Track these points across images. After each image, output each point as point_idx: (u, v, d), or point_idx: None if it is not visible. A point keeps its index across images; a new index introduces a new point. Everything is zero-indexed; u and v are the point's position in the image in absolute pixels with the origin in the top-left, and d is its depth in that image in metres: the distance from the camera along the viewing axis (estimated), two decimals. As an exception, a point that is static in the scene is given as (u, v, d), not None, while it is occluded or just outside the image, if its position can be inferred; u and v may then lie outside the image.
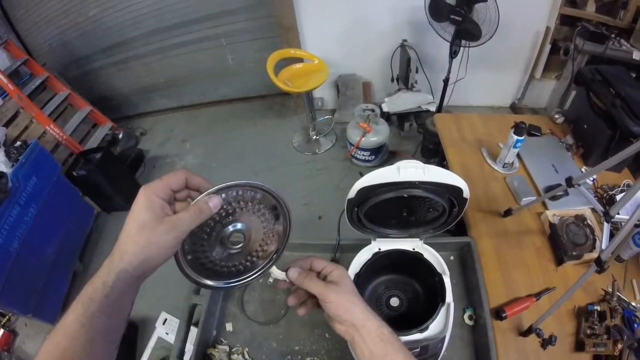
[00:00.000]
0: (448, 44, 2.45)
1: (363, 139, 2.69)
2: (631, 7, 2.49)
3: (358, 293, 0.62)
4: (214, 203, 0.53)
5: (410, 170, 0.76)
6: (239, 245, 0.61)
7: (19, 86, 2.88)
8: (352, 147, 2.81)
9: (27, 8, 3.36)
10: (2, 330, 2.47)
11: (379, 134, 2.73)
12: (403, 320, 1.01)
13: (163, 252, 0.49)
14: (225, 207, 0.56)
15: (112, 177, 2.76)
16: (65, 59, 3.60)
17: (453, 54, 2.49)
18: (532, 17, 2.80)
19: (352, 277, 0.98)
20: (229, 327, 1.11)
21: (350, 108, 3.20)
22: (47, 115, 2.98)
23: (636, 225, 0.82)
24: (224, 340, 1.09)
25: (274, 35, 3.10)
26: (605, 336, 1.02)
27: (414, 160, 0.80)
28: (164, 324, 1.92)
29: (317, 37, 3.02)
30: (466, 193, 0.82)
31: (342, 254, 1.22)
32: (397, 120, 3.16)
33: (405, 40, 2.89)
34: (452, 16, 2.26)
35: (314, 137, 3.21)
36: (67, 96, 3.27)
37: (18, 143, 2.50)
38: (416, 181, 0.76)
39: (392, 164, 0.76)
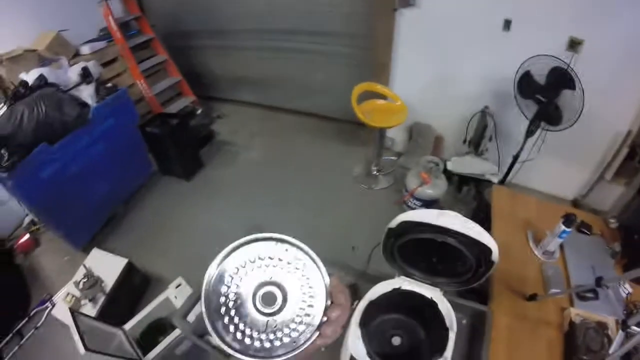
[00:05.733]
0: (527, 122, 2.43)
1: (420, 188, 2.69)
2: None
3: None
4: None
5: (449, 219, 0.80)
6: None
7: (125, 37, 3.17)
8: (407, 194, 2.81)
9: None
10: (28, 235, 2.72)
11: (436, 188, 2.72)
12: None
13: None
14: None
15: (180, 144, 2.96)
16: (173, 27, 3.90)
17: (530, 133, 2.46)
18: (616, 115, 2.69)
19: (366, 303, 1.02)
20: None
21: (417, 156, 3.22)
22: (141, 70, 3.28)
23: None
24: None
25: (367, 68, 3.18)
26: None
27: (456, 213, 0.84)
28: (176, 287, 1.97)
29: (406, 81, 3.09)
30: (495, 256, 0.84)
31: (365, 283, 1.25)
32: (458, 181, 3.15)
33: (486, 107, 2.90)
34: (537, 95, 2.26)
35: (375, 172, 3.25)
36: (164, 61, 3.58)
37: (110, 84, 2.75)
38: (451, 229, 0.80)
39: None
